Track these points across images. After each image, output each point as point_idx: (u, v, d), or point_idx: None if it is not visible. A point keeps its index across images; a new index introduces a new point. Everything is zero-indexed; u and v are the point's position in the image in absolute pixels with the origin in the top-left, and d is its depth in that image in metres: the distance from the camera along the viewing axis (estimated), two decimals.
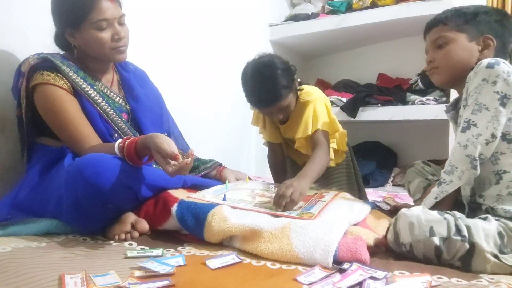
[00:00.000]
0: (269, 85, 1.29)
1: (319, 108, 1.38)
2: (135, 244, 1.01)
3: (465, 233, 0.88)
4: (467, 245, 0.87)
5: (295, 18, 2.74)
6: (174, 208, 1.07)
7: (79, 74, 1.23)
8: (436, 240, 0.88)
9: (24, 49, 1.33)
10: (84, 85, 1.22)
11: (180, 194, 1.15)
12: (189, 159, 1.01)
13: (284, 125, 1.47)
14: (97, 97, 1.24)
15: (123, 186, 1.01)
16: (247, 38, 2.57)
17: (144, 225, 1.05)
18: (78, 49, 1.25)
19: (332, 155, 1.45)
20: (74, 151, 1.17)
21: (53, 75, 1.18)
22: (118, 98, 1.33)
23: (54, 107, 1.17)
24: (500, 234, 0.89)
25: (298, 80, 1.41)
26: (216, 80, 2.32)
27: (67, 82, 1.19)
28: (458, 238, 0.87)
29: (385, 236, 1.02)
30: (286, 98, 1.32)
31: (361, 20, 2.45)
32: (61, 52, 1.30)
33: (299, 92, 1.42)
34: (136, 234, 1.05)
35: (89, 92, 1.23)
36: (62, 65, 1.19)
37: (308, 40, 2.75)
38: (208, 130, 2.27)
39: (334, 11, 2.61)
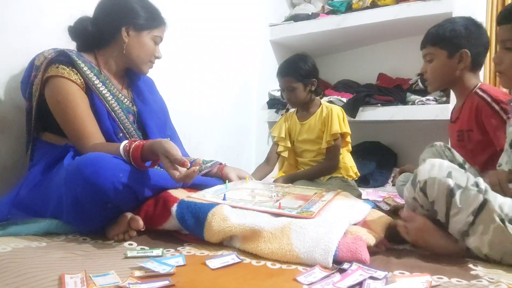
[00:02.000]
0: (295, 61, 1.75)
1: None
2: (135, 244, 1.01)
3: (483, 187, 0.89)
4: (481, 197, 0.88)
5: (295, 18, 2.74)
6: (174, 208, 1.07)
7: (92, 71, 1.26)
8: (451, 182, 0.90)
9: (24, 49, 1.33)
10: (97, 82, 1.26)
11: (180, 194, 1.15)
12: (197, 167, 1.02)
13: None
14: (107, 95, 1.27)
15: (122, 185, 1.00)
16: (247, 38, 2.57)
17: (138, 222, 1.04)
18: (118, 46, 1.30)
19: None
20: (77, 147, 1.18)
21: (68, 69, 1.20)
22: (126, 99, 1.35)
23: (65, 100, 1.19)
24: None
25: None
26: (216, 80, 2.32)
27: (80, 78, 1.22)
28: (475, 188, 0.89)
29: (386, 235, 1.02)
30: (296, 81, 1.72)
31: (361, 20, 2.45)
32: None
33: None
34: (133, 233, 1.05)
35: (101, 89, 1.26)
36: (78, 60, 1.23)
37: (308, 40, 2.75)
38: (208, 130, 2.27)
39: (334, 11, 2.61)
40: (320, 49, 2.93)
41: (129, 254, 0.91)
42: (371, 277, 0.79)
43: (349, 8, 2.56)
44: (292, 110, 1.99)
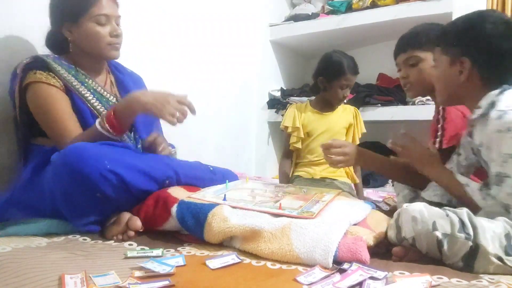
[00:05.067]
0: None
1: None
2: (135, 244, 1.01)
3: (470, 231, 0.87)
4: (470, 243, 0.86)
5: (295, 18, 2.74)
6: (174, 208, 1.07)
7: (70, 72, 1.26)
8: (438, 234, 0.88)
9: (24, 49, 1.34)
10: (75, 83, 1.26)
11: (180, 194, 1.15)
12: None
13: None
14: (87, 95, 1.27)
15: (110, 172, 1.01)
16: (247, 38, 2.57)
17: (136, 222, 1.04)
18: (74, 45, 1.27)
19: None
20: (60, 146, 1.16)
21: (45, 74, 1.20)
22: (111, 97, 1.35)
23: (45, 104, 1.19)
24: (507, 236, 0.88)
25: None
26: (216, 80, 2.32)
27: (59, 80, 1.22)
28: (462, 235, 0.87)
29: (386, 236, 1.02)
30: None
31: (361, 20, 2.45)
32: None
33: None
34: (131, 233, 1.05)
35: (80, 89, 1.26)
36: (53, 63, 1.23)
37: (308, 40, 2.75)
38: (208, 130, 2.27)
39: (334, 11, 2.61)
40: (320, 49, 2.91)
41: (129, 254, 0.91)
42: (371, 277, 0.78)
43: (349, 8, 2.56)
44: (304, 101, 2.00)
